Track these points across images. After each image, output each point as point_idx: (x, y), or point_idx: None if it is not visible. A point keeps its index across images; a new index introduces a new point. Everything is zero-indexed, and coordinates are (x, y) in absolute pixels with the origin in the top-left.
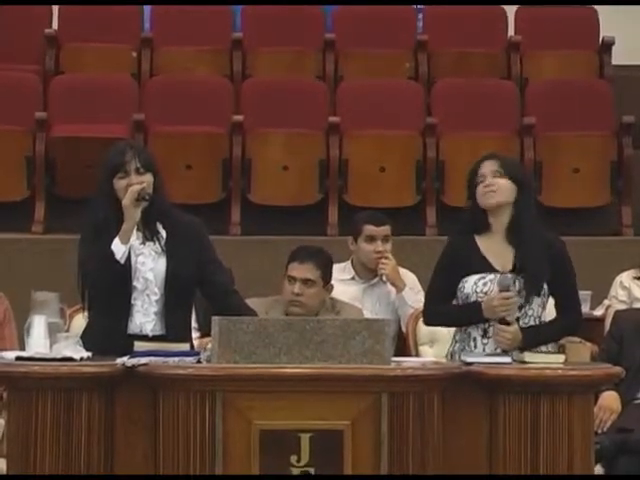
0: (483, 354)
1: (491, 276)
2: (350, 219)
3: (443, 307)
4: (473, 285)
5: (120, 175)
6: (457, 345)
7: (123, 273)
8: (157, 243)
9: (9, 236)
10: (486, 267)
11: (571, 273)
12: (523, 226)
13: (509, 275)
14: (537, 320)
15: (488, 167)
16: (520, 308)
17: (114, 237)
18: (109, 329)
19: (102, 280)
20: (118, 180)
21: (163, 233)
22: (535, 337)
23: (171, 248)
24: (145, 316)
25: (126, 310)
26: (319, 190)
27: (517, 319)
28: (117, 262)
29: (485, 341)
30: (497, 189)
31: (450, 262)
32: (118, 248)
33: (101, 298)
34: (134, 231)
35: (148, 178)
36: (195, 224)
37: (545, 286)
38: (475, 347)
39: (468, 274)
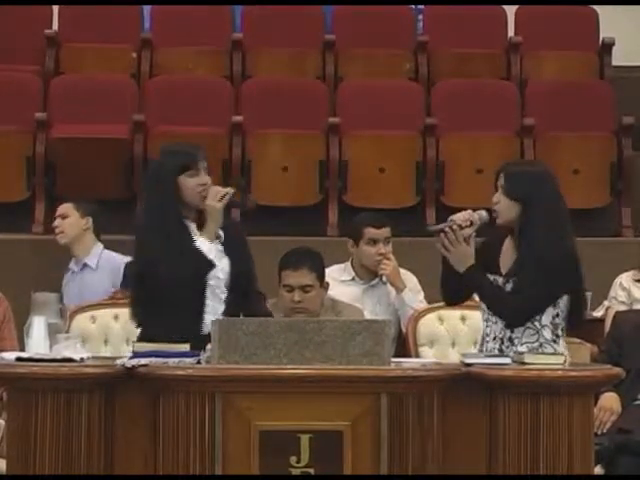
0: (482, 354)
1: (494, 277)
2: (350, 220)
3: None
4: None
5: (191, 172)
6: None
7: (209, 272)
8: (219, 243)
9: (9, 236)
10: (495, 269)
11: (537, 277)
12: (523, 245)
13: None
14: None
15: (499, 182)
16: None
17: (185, 238)
18: (183, 330)
19: (187, 279)
20: (187, 178)
21: (221, 233)
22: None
23: (228, 248)
24: (214, 316)
25: (198, 311)
26: (319, 191)
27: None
28: (209, 262)
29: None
30: (500, 209)
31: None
32: (208, 248)
33: (171, 299)
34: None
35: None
36: (236, 224)
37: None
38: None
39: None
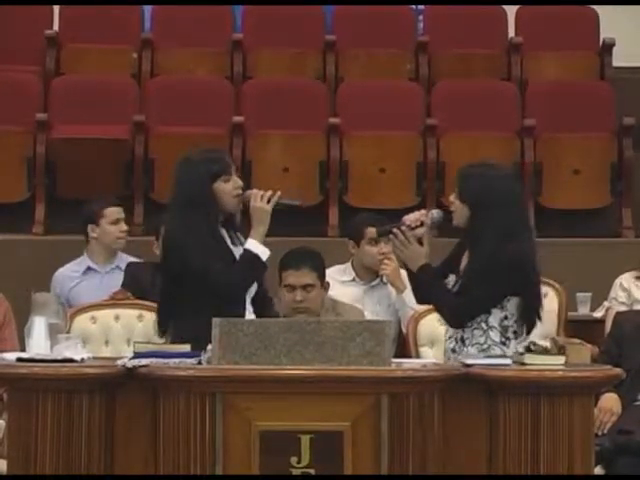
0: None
1: (452, 277)
2: (351, 220)
3: None
4: None
5: (225, 178)
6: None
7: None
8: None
9: (9, 237)
10: (455, 269)
11: (478, 279)
12: (470, 248)
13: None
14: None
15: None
16: None
17: (227, 245)
18: None
19: (241, 280)
20: (222, 183)
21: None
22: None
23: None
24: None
25: (242, 315)
26: (319, 191)
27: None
28: (264, 264)
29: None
30: (455, 211)
31: (443, 262)
32: (263, 250)
33: (220, 305)
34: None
35: None
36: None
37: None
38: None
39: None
